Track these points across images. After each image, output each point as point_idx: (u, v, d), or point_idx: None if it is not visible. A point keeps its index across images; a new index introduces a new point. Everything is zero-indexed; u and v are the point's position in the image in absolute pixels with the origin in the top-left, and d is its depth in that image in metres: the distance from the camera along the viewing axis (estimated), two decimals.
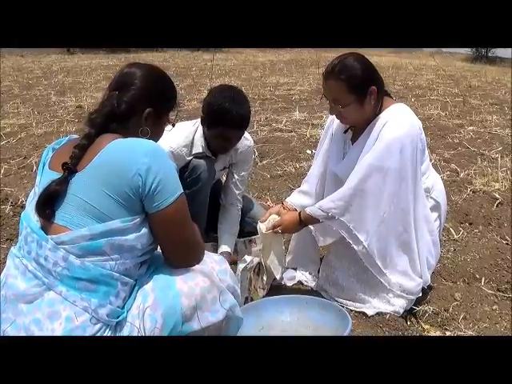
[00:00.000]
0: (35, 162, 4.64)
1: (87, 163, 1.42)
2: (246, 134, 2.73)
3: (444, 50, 28.65)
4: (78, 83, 11.04)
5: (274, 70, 14.41)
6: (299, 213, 2.30)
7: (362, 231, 2.16)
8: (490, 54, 27.06)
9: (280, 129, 6.34)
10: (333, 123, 2.44)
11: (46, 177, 1.49)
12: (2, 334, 1.37)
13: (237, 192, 2.78)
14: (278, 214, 2.42)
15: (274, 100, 8.66)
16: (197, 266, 1.55)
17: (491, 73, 16.21)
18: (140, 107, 1.57)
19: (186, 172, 2.54)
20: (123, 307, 1.44)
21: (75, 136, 1.62)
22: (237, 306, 1.61)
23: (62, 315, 1.34)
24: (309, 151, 5.20)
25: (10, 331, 1.36)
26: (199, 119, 2.61)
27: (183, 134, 2.57)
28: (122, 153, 1.42)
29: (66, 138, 1.61)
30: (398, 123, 2.14)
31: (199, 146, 2.60)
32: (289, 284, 2.54)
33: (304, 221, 2.28)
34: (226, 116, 2.39)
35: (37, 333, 1.33)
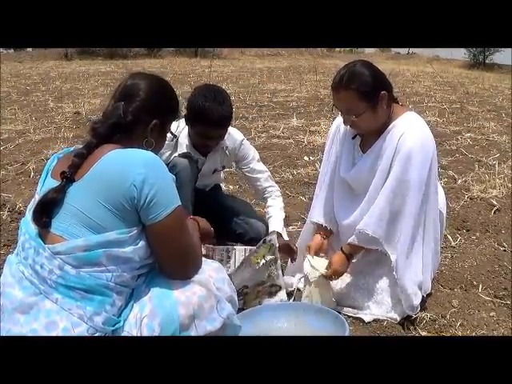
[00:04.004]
0: (33, 168, 4.64)
1: (85, 172, 1.42)
2: (236, 131, 2.73)
3: (441, 56, 28.80)
4: (75, 89, 11.07)
5: (271, 77, 14.47)
6: (342, 249, 2.25)
7: (391, 248, 2.17)
8: (487, 61, 27.16)
9: (277, 135, 6.35)
10: (339, 131, 2.42)
11: (46, 185, 1.49)
12: None
13: (261, 177, 2.76)
14: (320, 247, 2.38)
15: (272, 107, 8.69)
16: None
17: (488, 79, 16.30)
18: (146, 118, 1.57)
19: None
20: (119, 316, 1.43)
21: (81, 146, 1.62)
22: (234, 314, 1.60)
23: (59, 326, 1.34)
24: (306, 158, 5.21)
25: None
26: None
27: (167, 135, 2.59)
28: (118, 163, 1.42)
29: (72, 148, 1.60)
30: (418, 135, 2.16)
31: (184, 146, 2.60)
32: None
33: (350, 254, 2.25)
34: (205, 114, 2.40)
35: None
